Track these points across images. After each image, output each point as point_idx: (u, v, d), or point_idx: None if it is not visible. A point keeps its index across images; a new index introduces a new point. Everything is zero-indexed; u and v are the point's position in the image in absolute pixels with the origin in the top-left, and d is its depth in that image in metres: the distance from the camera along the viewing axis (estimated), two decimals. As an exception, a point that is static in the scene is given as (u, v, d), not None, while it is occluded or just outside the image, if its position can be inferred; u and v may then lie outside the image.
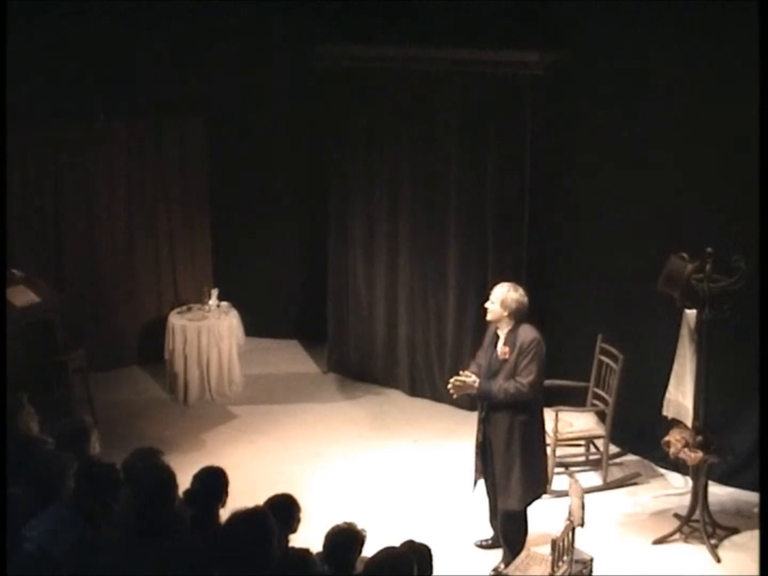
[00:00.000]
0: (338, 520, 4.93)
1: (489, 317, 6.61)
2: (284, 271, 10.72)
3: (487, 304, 6.60)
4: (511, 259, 8.71)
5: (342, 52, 9.15)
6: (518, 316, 6.52)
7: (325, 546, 4.78)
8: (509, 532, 6.78)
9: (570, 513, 5.95)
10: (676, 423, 7.22)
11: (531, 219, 8.81)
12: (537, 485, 6.74)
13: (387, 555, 4.56)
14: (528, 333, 6.51)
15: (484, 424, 6.68)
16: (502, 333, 6.58)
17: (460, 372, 6.65)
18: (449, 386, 6.63)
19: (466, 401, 8.96)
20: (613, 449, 8.21)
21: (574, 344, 8.41)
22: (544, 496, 6.95)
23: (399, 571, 4.50)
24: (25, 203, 9.50)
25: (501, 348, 6.54)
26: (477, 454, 6.81)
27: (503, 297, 6.51)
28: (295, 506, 5.12)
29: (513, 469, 6.57)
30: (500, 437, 6.56)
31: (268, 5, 9.71)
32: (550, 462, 7.51)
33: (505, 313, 6.51)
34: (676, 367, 7.17)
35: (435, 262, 9.24)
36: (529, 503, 6.72)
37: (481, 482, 6.87)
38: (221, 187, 10.49)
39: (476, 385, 6.51)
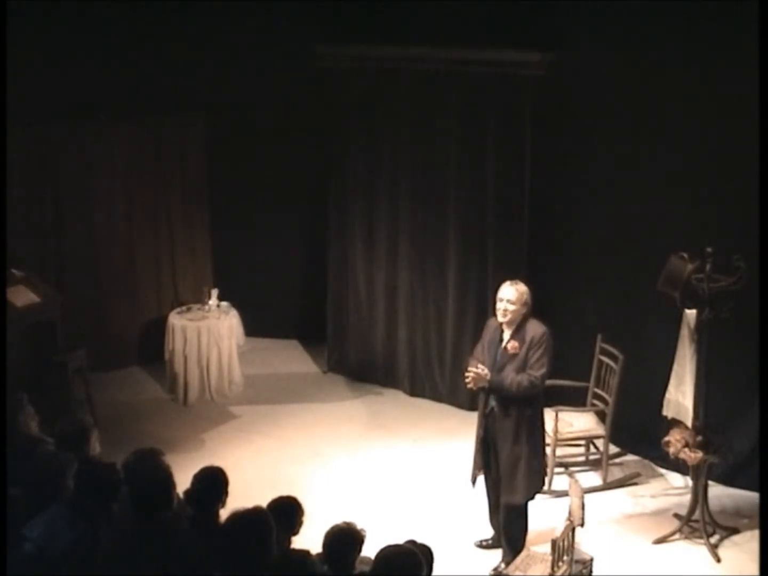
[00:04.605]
0: (338, 520, 4.94)
1: (509, 318, 6.52)
2: (284, 271, 10.72)
3: (506, 306, 6.50)
4: (511, 259, 8.70)
5: (342, 52, 9.15)
6: (529, 309, 6.55)
7: (324, 546, 4.78)
8: (511, 528, 6.79)
9: (570, 513, 5.95)
10: (676, 423, 7.21)
11: (531, 219, 8.81)
12: (539, 478, 6.78)
13: (397, 551, 4.53)
14: (537, 327, 6.54)
15: (487, 420, 6.68)
16: (509, 328, 6.58)
17: (469, 368, 6.61)
18: (467, 378, 6.59)
19: (466, 401, 8.99)
20: (613, 449, 8.21)
21: (574, 344, 8.40)
22: (545, 496, 6.95)
23: (409, 568, 4.46)
24: (25, 203, 9.49)
25: (511, 343, 6.55)
26: (478, 450, 6.82)
27: (520, 295, 6.51)
28: (298, 508, 5.13)
29: (519, 463, 6.58)
30: (507, 433, 6.57)
31: (268, 5, 9.71)
32: (550, 462, 7.52)
33: (524, 311, 6.54)
34: (676, 367, 7.17)
35: (435, 262, 9.25)
36: (532, 497, 6.74)
37: (481, 480, 6.88)
38: (221, 186, 10.50)
39: (488, 378, 6.52)
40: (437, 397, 9.50)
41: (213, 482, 5.08)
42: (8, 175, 8.55)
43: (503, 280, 6.69)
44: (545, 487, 7.20)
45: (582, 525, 5.94)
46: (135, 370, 10.18)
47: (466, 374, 6.60)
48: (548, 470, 7.38)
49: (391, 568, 4.43)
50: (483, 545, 7.19)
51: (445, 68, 8.73)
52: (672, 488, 8.02)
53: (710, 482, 7.41)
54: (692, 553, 7.16)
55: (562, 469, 8.06)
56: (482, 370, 6.53)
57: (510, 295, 6.53)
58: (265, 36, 9.87)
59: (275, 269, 10.67)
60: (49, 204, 9.71)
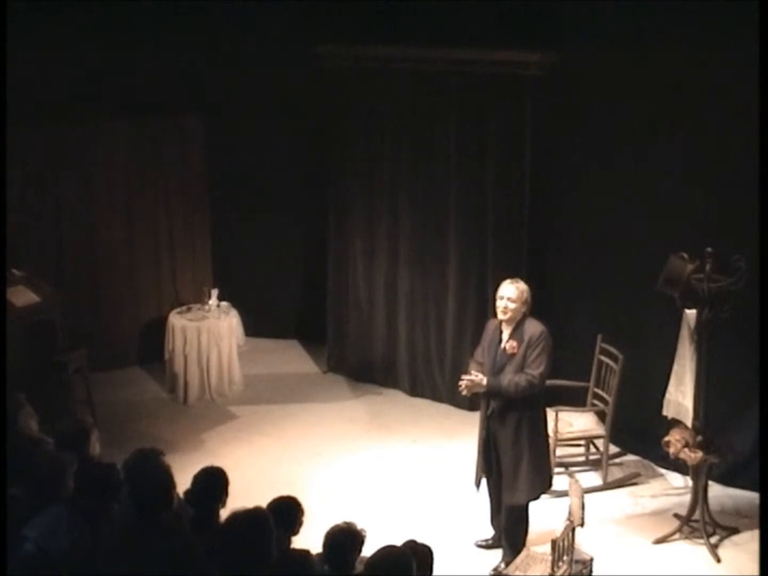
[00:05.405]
0: (338, 520, 4.94)
1: (509, 316, 6.52)
2: (284, 271, 10.73)
3: (506, 304, 6.50)
4: (511, 259, 8.70)
5: (342, 52, 9.15)
6: (529, 308, 6.55)
7: (324, 546, 4.78)
8: (512, 528, 6.79)
9: (570, 513, 5.95)
10: (676, 423, 7.21)
11: (531, 219, 8.82)
12: (544, 478, 6.77)
13: (387, 553, 4.57)
14: (536, 326, 6.53)
15: (489, 421, 6.67)
16: (508, 328, 6.58)
17: (463, 376, 6.63)
18: (460, 386, 6.60)
19: (466, 401, 8.97)
20: (613, 449, 8.21)
21: (574, 344, 8.40)
22: (545, 496, 6.95)
23: (398, 569, 4.50)
24: (25, 203, 9.49)
25: (509, 343, 6.54)
26: (480, 452, 6.81)
27: (520, 293, 6.51)
28: (298, 509, 5.13)
29: (521, 463, 6.58)
30: (508, 433, 6.56)
31: (268, 5, 9.71)
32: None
33: (524, 309, 6.54)
34: (676, 367, 7.17)
35: (435, 262, 9.24)
36: (536, 497, 6.74)
37: (483, 481, 6.88)
38: (221, 187, 10.50)
39: (484, 383, 6.52)
40: (437, 397, 9.50)
41: (213, 482, 5.07)
42: (8, 175, 8.55)
43: (503, 280, 6.69)
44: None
45: (582, 525, 5.93)
46: (135, 370, 10.17)
47: (460, 382, 6.60)
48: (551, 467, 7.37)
49: (382, 570, 4.45)
50: (483, 545, 7.19)
51: (445, 68, 8.73)
52: (672, 488, 8.01)
53: (710, 482, 7.40)
54: (692, 553, 7.16)
55: (562, 469, 8.05)
56: (476, 375, 6.53)
57: (510, 293, 6.53)
58: (265, 36, 9.87)
59: (275, 269, 10.67)
60: (49, 204, 9.71)
